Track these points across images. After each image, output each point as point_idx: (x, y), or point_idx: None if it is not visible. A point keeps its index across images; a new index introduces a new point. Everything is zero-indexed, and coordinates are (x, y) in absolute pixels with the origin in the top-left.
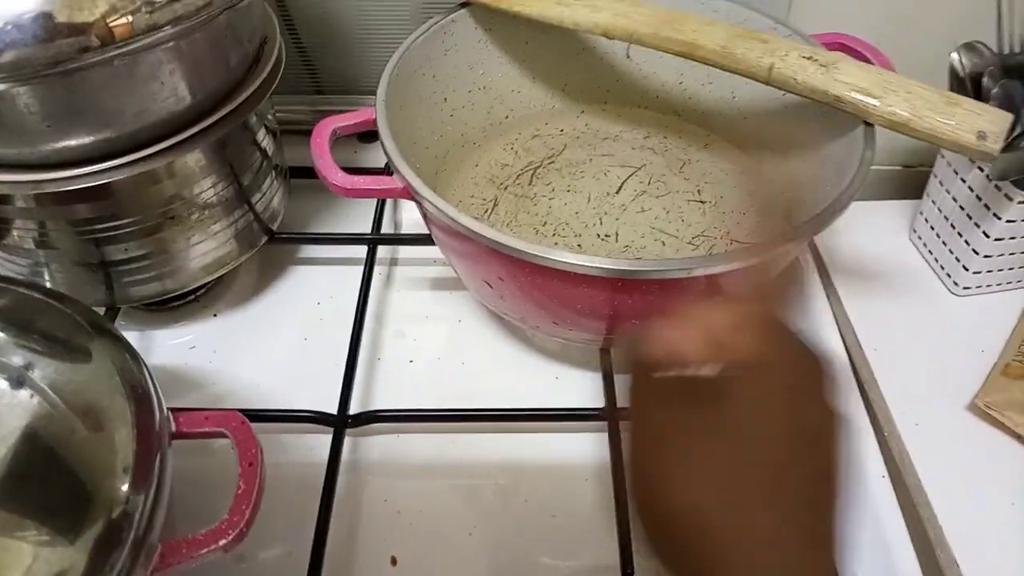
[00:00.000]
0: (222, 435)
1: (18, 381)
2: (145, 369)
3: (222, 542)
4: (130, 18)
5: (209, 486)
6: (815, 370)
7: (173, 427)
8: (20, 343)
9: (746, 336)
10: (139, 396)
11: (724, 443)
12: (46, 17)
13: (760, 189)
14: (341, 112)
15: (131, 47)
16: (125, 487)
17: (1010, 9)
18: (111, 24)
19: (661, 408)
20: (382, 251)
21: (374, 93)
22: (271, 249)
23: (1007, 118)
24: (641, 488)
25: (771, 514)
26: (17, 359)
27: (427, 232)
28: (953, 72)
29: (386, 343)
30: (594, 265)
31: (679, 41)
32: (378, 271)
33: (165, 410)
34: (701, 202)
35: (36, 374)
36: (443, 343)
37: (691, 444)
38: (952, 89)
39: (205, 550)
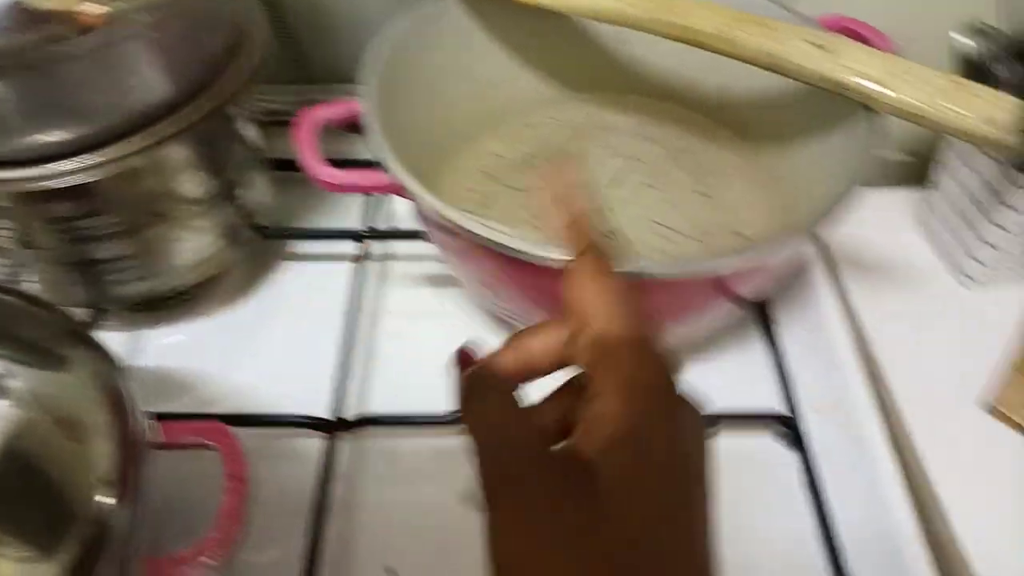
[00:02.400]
0: (208, 447)
1: None
2: (126, 379)
3: (205, 559)
4: (104, 6)
5: (202, 495)
6: (699, 427)
7: (156, 437)
8: None
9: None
10: (119, 407)
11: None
12: (18, 6)
13: (762, 180)
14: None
15: (106, 36)
16: (105, 501)
17: None
18: (85, 13)
19: (519, 490)
20: (378, 246)
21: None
22: (261, 246)
23: (1020, 106)
24: None
25: None
26: None
27: (419, 227)
28: (959, 56)
29: (383, 343)
30: None
31: (674, 25)
32: (374, 267)
33: (146, 420)
34: (703, 195)
35: (13, 383)
36: (443, 343)
37: (561, 538)
38: (959, 74)
39: (187, 568)
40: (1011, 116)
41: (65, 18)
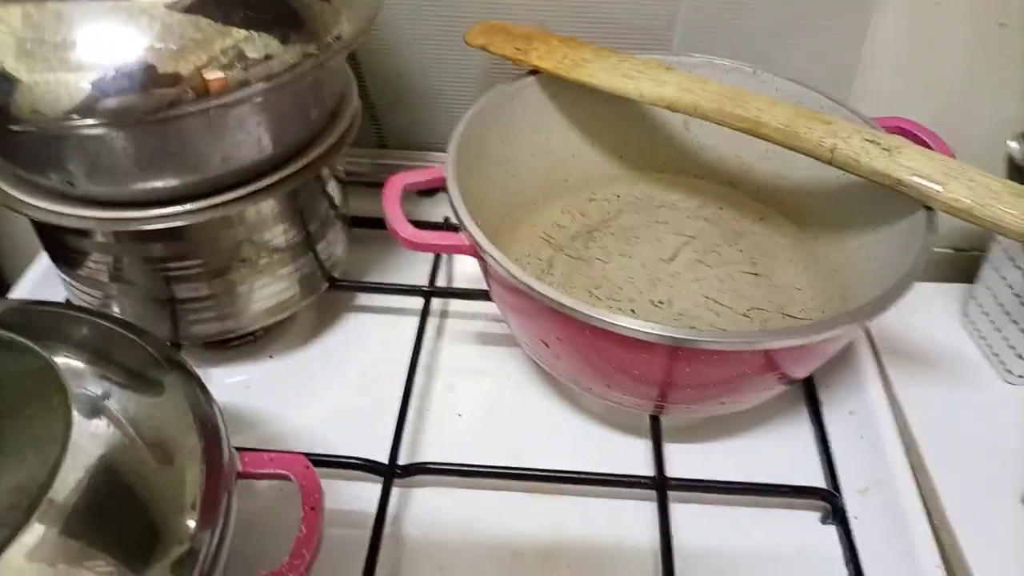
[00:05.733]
0: (286, 477)
1: (95, 410)
2: (216, 406)
3: None
4: (225, 73)
5: (254, 527)
6: None
7: (239, 466)
8: (98, 372)
9: None
10: (209, 433)
11: None
12: (149, 68)
13: (815, 266)
14: (402, 165)
15: (224, 100)
16: (192, 523)
17: None
18: (208, 78)
19: None
20: (438, 303)
21: (434, 149)
22: (329, 295)
23: None
24: None
25: None
26: (95, 388)
27: (479, 287)
28: (1011, 160)
29: (435, 395)
30: (655, 332)
31: (742, 118)
32: (430, 323)
33: (232, 449)
34: (755, 275)
35: (112, 404)
36: (491, 398)
37: None
38: (1009, 176)
39: None
40: None
41: (188, 80)
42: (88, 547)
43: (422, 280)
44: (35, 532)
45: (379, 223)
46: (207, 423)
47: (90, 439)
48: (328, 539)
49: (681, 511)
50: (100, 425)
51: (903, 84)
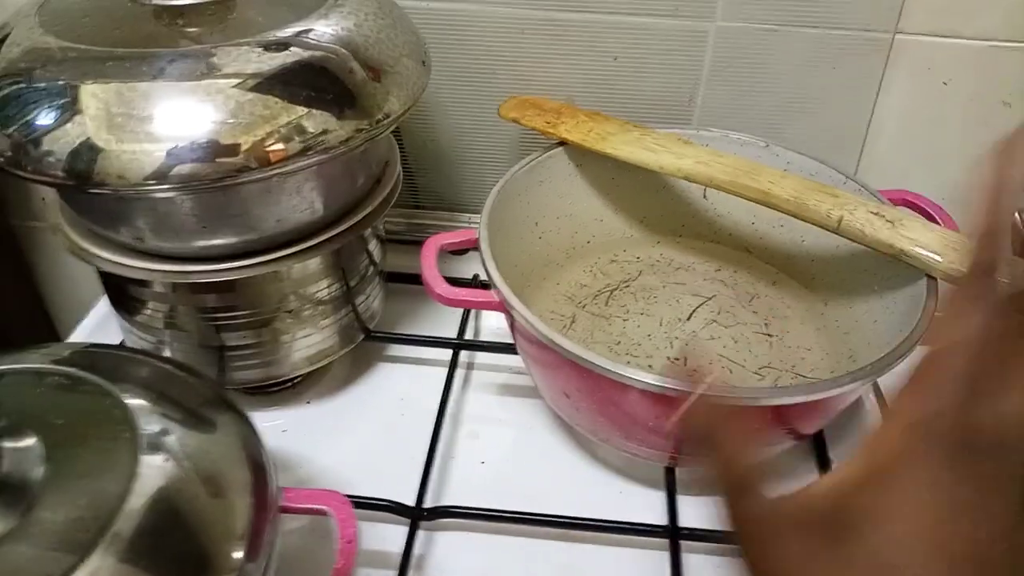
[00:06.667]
0: (323, 512)
1: (156, 445)
2: (262, 445)
3: None
4: (284, 145)
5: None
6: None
7: (282, 501)
8: (159, 411)
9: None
10: (257, 468)
11: None
12: (218, 140)
13: (826, 328)
14: (434, 224)
15: (283, 170)
16: (240, 554)
17: None
18: (269, 150)
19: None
20: (465, 356)
21: (463, 210)
22: (364, 345)
23: None
24: None
25: None
26: (156, 425)
27: (505, 341)
28: (1017, 232)
29: (460, 443)
30: (668, 385)
31: (754, 189)
32: (457, 373)
33: (277, 484)
34: (768, 335)
35: (170, 440)
36: (512, 447)
37: None
38: (1015, 250)
39: None
40: None
41: (251, 152)
42: (142, 573)
43: (451, 333)
44: (96, 558)
45: (412, 278)
46: (256, 460)
47: (150, 472)
48: None
49: (694, 561)
50: (159, 459)
51: (910, 157)
